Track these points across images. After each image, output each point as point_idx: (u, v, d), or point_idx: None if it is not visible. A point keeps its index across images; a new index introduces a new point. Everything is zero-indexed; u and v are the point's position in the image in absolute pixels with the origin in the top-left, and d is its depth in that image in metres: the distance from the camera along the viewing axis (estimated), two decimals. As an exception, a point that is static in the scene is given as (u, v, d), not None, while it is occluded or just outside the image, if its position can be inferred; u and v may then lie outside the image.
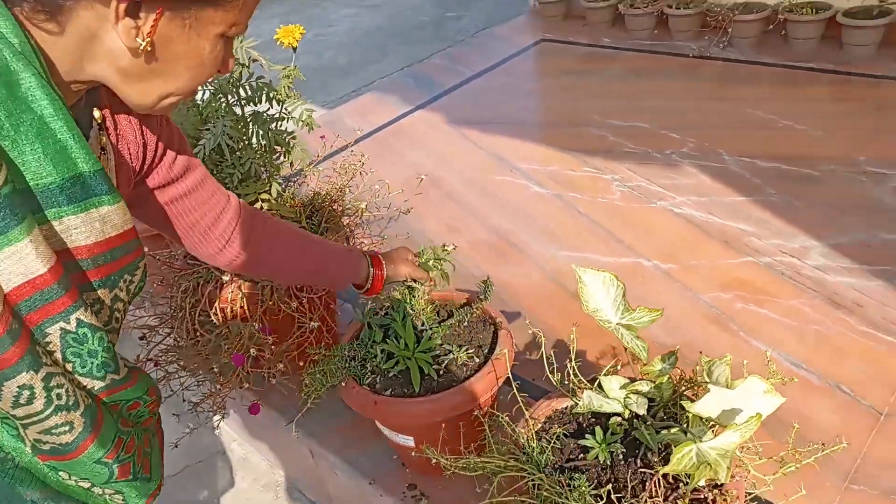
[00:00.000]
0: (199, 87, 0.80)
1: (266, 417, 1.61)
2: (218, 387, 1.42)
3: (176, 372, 1.47)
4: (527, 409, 1.16)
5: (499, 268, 1.93)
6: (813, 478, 1.11)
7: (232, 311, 1.46)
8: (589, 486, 1.01)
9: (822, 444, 1.06)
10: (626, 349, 1.12)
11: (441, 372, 1.26)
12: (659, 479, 1.00)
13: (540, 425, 1.16)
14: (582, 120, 2.68)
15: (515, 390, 1.15)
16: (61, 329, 0.68)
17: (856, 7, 2.79)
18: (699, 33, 3.22)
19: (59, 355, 0.70)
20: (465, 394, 1.21)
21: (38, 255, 0.65)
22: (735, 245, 1.88)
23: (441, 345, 1.30)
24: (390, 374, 1.27)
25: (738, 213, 2.00)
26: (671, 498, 1.00)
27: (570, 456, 1.11)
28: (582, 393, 1.17)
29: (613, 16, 3.53)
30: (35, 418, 0.69)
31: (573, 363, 1.20)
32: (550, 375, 1.17)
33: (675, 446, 0.95)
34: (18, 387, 0.66)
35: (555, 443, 1.10)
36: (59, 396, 0.69)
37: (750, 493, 1.05)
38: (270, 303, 1.43)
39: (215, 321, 1.49)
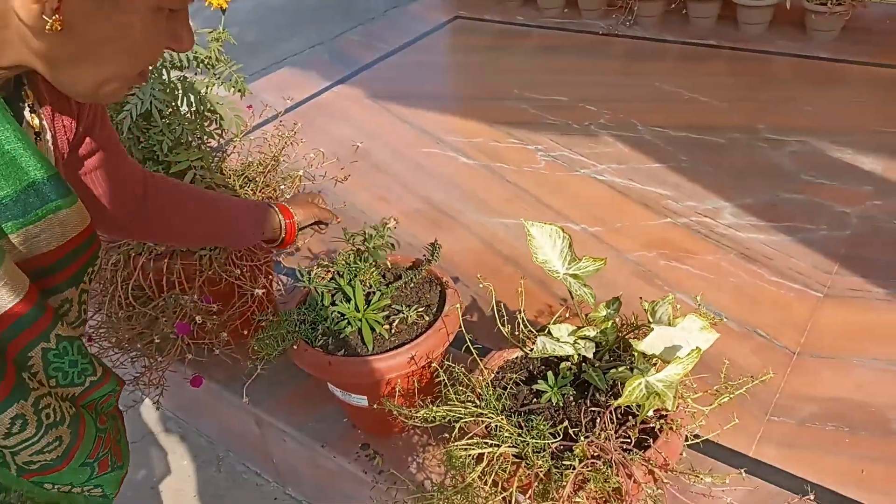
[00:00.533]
0: (150, 69, 0.75)
1: (206, 391, 1.57)
2: (159, 359, 1.38)
3: (111, 348, 1.41)
4: (480, 360, 1.20)
5: (433, 236, 1.92)
6: (737, 412, 1.21)
7: (168, 283, 1.41)
8: (546, 424, 1.06)
9: (752, 377, 1.16)
10: (572, 298, 1.18)
11: (392, 331, 1.28)
12: (610, 414, 1.06)
13: (494, 374, 1.20)
14: (502, 94, 2.73)
15: (469, 342, 1.19)
16: (42, 349, 0.67)
17: (748, -12, 2.99)
18: (607, 12, 3.34)
19: (42, 375, 0.69)
20: (418, 349, 1.23)
21: (12, 287, 0.63)
22: (654, 208, 1.99)
23: (390, 305, 1.32)
24: (341, 336, 1.28)
25: (655, 179, 2.11)
26: (622, 430, 1.06)
27: (525, 401, 1.15)
28: (532, 343, 1.23)
29: (525, -6, 3.61)
30: (28, 443, 0.68)
31: (522, 314, 1.24)
32: (501, 327, 1.21)
33: (625, 382, 1.01)
34: (11, 419, 0.65)
35: (511, 388, 1.14)
36: (47, 416, 0.68)
37: (688, 428, 1.13)
38: (210, 272, 1.40)
39: (150, 294, 1.44)
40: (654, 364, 1.10)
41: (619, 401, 1.00)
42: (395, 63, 3.19)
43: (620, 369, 1.12)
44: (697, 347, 1.02)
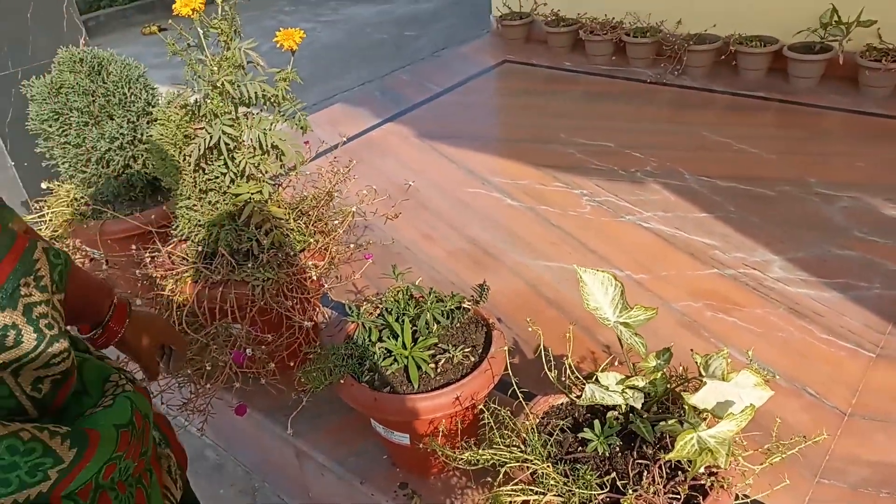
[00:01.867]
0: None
1: (248, 420, 1.59)
2: (207, 386, 1.40)
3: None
4: (526, 405, 1.20)
5: (476, 275, 1.96)
6: (787, 474, 1.18)
7: (221, 311, 1.45)
8: (593, 474, 1.05)
9: (804, 437, 1.13)
10: (621, 346, 1.17)
11: (437, 370, 1.29)
12: (659, 468, 1.04)
13: (539, 420, 1.19)
14: (548, 137, 2.76)
15: (515, 385, 1.18)
16: None
17: (798, 42, 2.99)
18: (655, 61, 3.37)
19: None
20: (463, 390, 1.23)
21: None
22: (701, 257, 1.98)
23: (437, 344, 1.32)
24: (388, 372, 1.29)
25: (701, 228, 2.10)
26: (670, 485, 1.05)
27: (570, 449, 1.14)
28: (578, 390, 1.22)
29: (573, 41, 3.66)
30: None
31: (569, 360, 1.24)
32: (549, 372, 1.21)
33: (674, 436, 1.00)
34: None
35: (556, 435, 1.14)
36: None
37: (737, 486, 1.11)
38: (262, 302, 1.43)
39: (202, 321, 1.47)
40: (705, 419, 1.08)
41: (671, 455, 0.99)
42: (444, 103, 3.25)
43: (670, 422, 1.10)
44: (752, 404, 1.00)
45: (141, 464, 0.78)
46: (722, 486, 1.04)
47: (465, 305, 1.39)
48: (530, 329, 1.25)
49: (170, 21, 1.42)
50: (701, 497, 1.03)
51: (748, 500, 1.12)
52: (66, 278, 0.71)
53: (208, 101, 1.43)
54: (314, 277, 1.50)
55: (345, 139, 2.48)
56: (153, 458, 0.85)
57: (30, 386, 0.67)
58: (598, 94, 3.20)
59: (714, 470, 1.07)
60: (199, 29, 1.38)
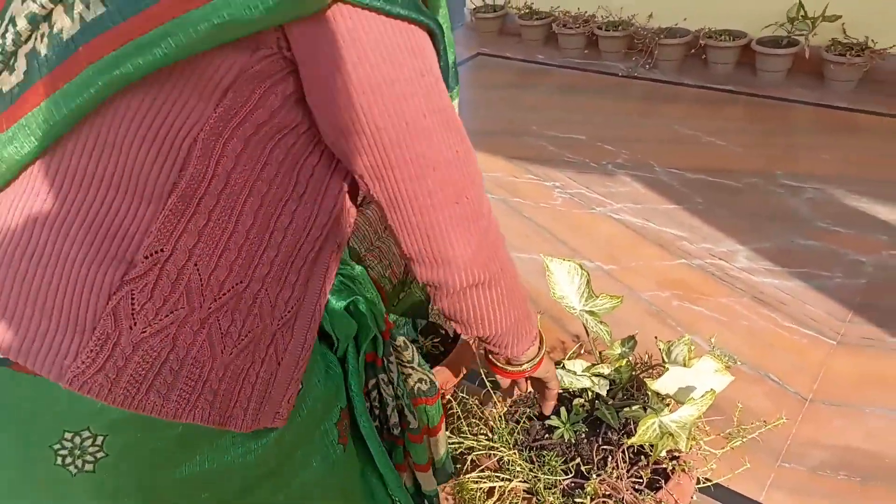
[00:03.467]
0: None
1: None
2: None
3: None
4: (494, 394, 1.21)
5: (448, 267, 1.97)
6: (749, 458, 1.21)
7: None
8: (558, 460, 1.06)
9: (764, 421, 1.16)
10: (587, 334, 1.19)
11: (407, 360, 1.29)
12: (623, 453, 1.07)
13: (507, 409, 1.21)
14: (521, 130, 2.78)
15: (483, 375, 1.20)
16: None
17: (766, 36, 3.04)
18: (627, 54, 3.40)
19: None
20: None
21: None
22: (669, 248, 2.01)
23: (405, 335, 1.33)
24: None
25: (671, 220, 2.13)
26: (634, 470, 1.07)
27: (537, 436, 1.16)
28: (545, 377, 1.23)
29: (547, 34, 3.68)
30: None
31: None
32: (516, 361, 1.22)
33: (638, 422, 1.02)
34: None
35: (523, 422, 1.15)
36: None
37: (700, 470, 1.14)
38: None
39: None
40: (668, 405, 1.11)
41: (633, 440, 1.01)
42: (417, 96, 3.25)
43: (634, 408, 1.12)
44: (712, 389, 1.03)
45: None
46: (683, 470, 1.06)
47: (434, 296, 1.40)
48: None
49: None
50: (663, 480, 1.05)
51: (711, 484, 1.15)
52: None
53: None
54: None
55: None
56: None
57: None
58: (571, 87, 3.22)
59: (676, 454, 1.10)
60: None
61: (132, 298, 0.60)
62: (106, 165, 0.61)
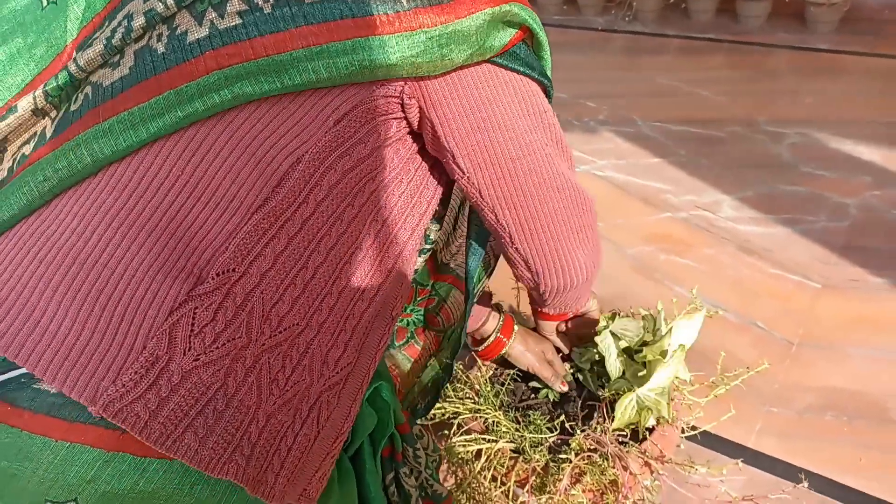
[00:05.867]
0: None
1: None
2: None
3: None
4: (478, 357, 1.22)
5: (434, 235, 1.97)
6: (736, 404, 1.22)
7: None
8: (544, 419, 1.08)
9: (748, 368, 1.17)
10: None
11: (392, 330, 1.30)
12: (606, 406, 1.07)
13: (492, 372, 1.22)
14: (502, 92, 2.74)
15: (468, 342, 1.20)
16: None
17: (747, -19, 2.99)
18: (606, 8, 3.34)
19: None
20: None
21: None
22: (654, 202, 2.01)
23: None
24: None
25: (654, 174, 2.13)
26: (619, 424, 1.08)
27: (523, 397, 1.17)
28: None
29: (524, -8, 3.61)
30: None
31: (519, 310, 1.26)
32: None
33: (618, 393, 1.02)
34: None
35: (508, 384, 1.16)
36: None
37: (685, 420, 1.15)
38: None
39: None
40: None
41: (615, 425, 1.00)
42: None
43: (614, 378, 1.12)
44: (681, 345, 1.03)
45: None
46: (667, 421, 1.07)
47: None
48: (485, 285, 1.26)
49: None
50: (648, 432, 1.06)
51: (698, 432, 1.16)
52: None
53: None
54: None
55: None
56: None
57: None
58: (551, 44, 3.16)
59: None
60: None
61: (194, 317, 0.55)
62: (194, 170, 0.57)
